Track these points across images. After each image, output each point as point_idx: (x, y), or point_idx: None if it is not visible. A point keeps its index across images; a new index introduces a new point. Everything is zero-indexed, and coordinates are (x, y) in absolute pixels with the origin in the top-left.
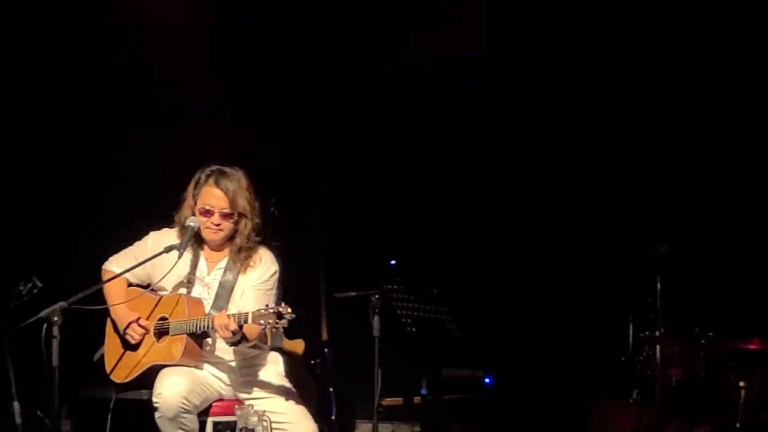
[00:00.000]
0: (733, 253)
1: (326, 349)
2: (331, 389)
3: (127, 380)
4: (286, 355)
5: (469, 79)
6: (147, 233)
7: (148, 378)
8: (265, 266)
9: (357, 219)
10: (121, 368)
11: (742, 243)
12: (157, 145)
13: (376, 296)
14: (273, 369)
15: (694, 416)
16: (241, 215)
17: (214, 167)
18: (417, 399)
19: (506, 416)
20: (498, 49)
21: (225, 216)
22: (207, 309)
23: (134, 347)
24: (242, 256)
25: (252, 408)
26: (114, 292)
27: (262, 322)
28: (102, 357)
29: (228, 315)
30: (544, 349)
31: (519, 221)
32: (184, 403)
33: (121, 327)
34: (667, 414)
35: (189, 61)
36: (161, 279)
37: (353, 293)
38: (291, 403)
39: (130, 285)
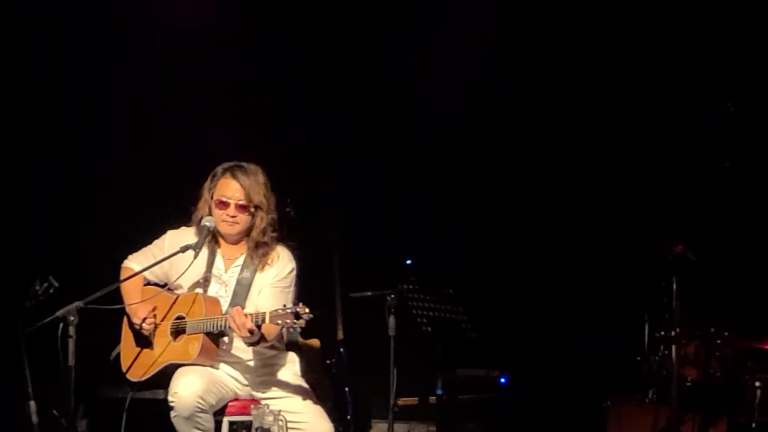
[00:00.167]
0: (749, 252)
1: (342, 349)
2: (346, 389)
3: (143, 379)
4: (303, 353)
5: (487, 76)
6: (165, 231)
7: (164, 377)
8: (282, 264)
9: (372, 219)
10: (138, 367)
11: (757, 242)
12: (168, 145)
13: (392, 296)
14: (289, 369)
15: (709, 416)
16: (257, 208)
17: (232, 163)
18: (432, 399)
19: (521, 416)
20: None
21: (240, 208)
22: (224, 307)
23: (151, 346)
24: (260, 253)
25: (268, 407)
26: (131, 291)
27: (279, 322)
28: (118, 355)
29: (245, 314)
30: (559, 349)
31: (537, 221)
32: (200, 403)
33: (135, 322)
34: (682, 414)
35: (195, 61)
36: (178, 278)
37: (369, 293)
38: (307, 402)
39: (147, 284)
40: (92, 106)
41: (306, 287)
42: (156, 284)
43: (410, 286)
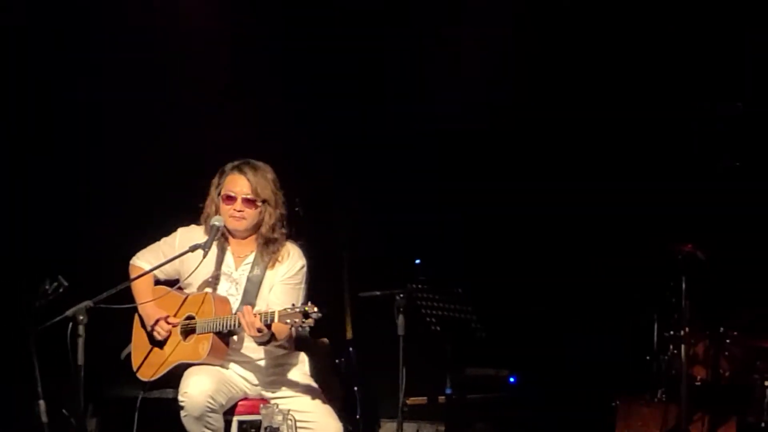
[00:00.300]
0: (758, 252)
1: (351, 349)
2: (355, 388)
3: (153, 378)
4: (311, 353)
5: (494, 75)
6: (175, 229)
7: (174, 377)
8: (292, 260)
9: (381, 218)
10: (148, 366)
11: (767, 241)
12: (177, 144)
13: (401, 295)
14: (299, 368)
15: (719, 416)
16: (264, 203)
17: (241, 160)
18: (441, 398)
19: (531, 416)
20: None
21: (247, 202)
22: (235, 305)
23: (161, 345)
24: (270, 251)
25: (277, 407)
26: (142, 289)
27: (288, 321)
28: (129, 355)
29: (254, 313)
30: (568, 348)
31: (547, 221)
32: (210, 402)
33: (148, 324)
34: (692, 413)
35: (198, 61)
36: (188, 276)
37: (378, 292)
38: (316, 402)
39: (158, 282)
40: (98, 106)
41: (315, 287)
42: (166, 281)
43: (419, 286)
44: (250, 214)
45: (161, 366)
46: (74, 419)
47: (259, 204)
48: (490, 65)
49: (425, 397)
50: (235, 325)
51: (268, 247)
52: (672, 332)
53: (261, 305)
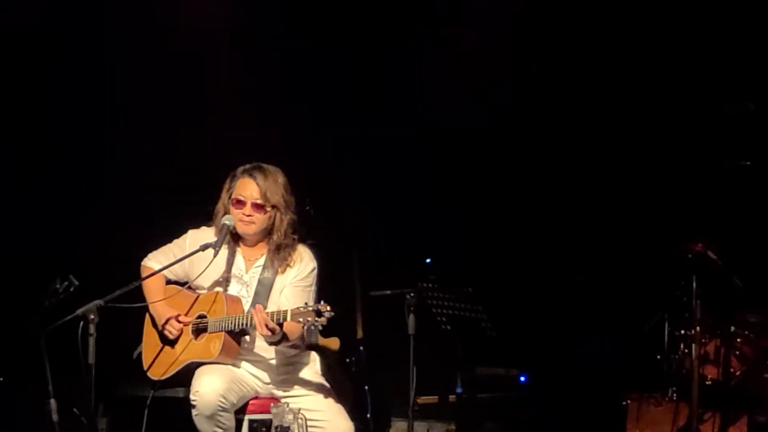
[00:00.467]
0: None
1: (361, 348)
2: (366, 387)
3: (164, 377)
4: (322, 352)
5: (496, 81)
6: (186, 230)
7: (185, 376)
8: (303, 263)
9: (392, 217)
10: (159, 365)
11: None
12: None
13: (411, 295)
14: (310, 367)
15: (729, 415)
16: (274, 208)
17: (252, 164)
18: (452, 397)
19: (541, 415)
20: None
21: (257, 207)
22: (246, 307)
23: (172, 344)
24: (281, 256)
25: (287, 406)
26: (153, 288)
27: (300, 319)
28: (140, 354)
29: (266, 312)
30: (578, 348)
31: (557, 220)
32: (221, 401)
33: (159, 323)
34: (702, 413)
35: (207, 62)
36: (198, 276)
37: (388, 291)
38: (328, 401)
39: (169, 282)
40: (98, 106)
41: (325, 286)
42: (176, 282)
43: (430, 285)
44: (260, 219)
45: (172, 365)
46: (85, 418)
47: (269, 209)
48: (490, 65)
49: (436, 397)
50: (247, 323)
51: (280, 252)
52: (683, 331)
53: (271, 308)
